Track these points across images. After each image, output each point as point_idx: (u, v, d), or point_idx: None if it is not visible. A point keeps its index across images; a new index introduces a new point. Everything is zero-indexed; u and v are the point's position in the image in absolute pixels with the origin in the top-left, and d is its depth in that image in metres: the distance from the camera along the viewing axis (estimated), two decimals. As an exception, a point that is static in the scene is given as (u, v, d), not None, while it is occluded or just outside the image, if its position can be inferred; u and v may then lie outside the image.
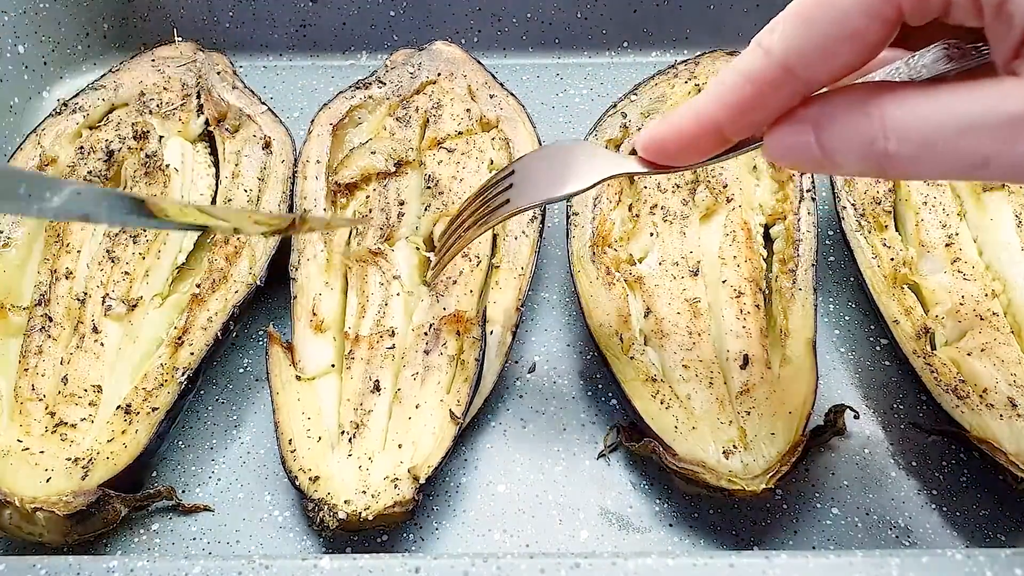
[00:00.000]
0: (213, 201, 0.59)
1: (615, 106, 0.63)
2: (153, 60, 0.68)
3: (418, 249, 0.56)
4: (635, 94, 0.64)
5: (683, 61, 0.66)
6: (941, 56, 0.34)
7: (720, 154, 0.37)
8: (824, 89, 0.34)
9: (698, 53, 0.67)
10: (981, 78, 0.30)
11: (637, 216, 0.56)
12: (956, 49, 0.33)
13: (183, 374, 0.50)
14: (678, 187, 0.57)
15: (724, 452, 0.45)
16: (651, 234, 0.55)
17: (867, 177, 0.34)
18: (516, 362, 0.56)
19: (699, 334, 0.51)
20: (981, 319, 0.50)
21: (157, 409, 0.48)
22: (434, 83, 0.65)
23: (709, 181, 0.57)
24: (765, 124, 0.35)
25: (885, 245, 0.54)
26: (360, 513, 0.44)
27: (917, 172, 0.32)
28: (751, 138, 0.37)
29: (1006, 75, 0.30)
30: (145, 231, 0.55)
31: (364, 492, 0.44)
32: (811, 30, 0.31)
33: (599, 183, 0.40)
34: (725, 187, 0.57)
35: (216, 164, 0.62)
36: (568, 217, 0.58)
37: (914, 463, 0.50)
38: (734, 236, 0.54)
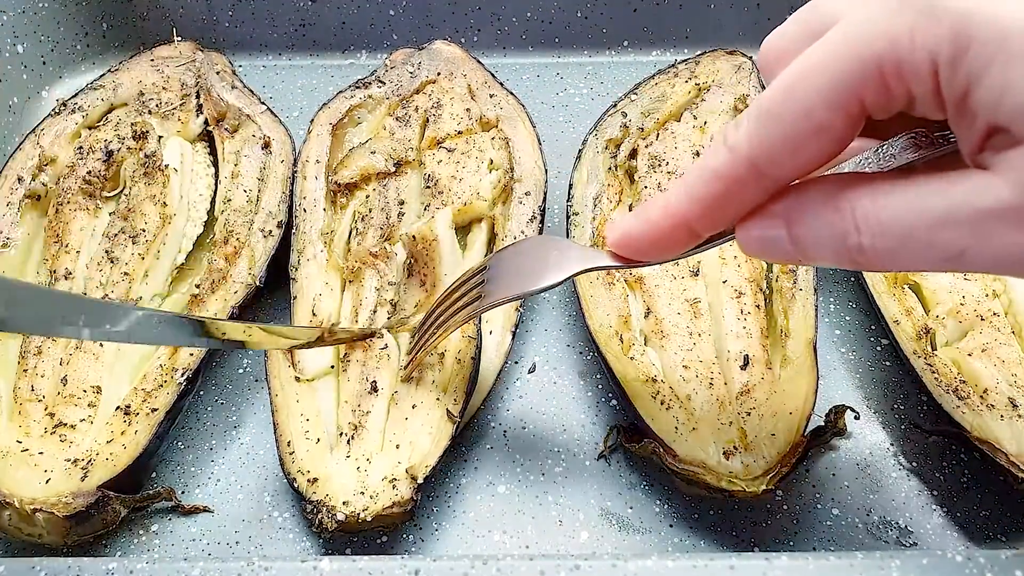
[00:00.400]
0: (212, 201, 0.59)
1: (615, 105, 0.63)
2: (152, 60, 0.67)
3: (418, 249, 0.56)
4: (635, 93, 0.63)
5: (683, 60, 0.65)
6: (910, 145, 0.33)
7: (692, 248, 0.37)
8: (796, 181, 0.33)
9: (698, 52, 0.67)
10: (949, 168, 0.30)
11: (637, 216, 0.56)
12: (924, 137, 0.33)
13: (182, 375, 0.50)
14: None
15: (724, 453, 0.45)
16: (651, 234, 0.55)
17: (842, 268, 0.34)
18: (516, 362, 0.56)
19: (699, 334, 0.50)
20: (982, 319, 0.50)
21: (157, 410, 0.48)
22: (434, 83, 0.65)
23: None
24: (736, 219, 0.34)
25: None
26: (359, 514, 0.43)
27: (892, 265, 0.31)
28: (723, 231, 0.36)
29: (974, 167, 0.30)
30: (145, 230, 0.55)
31: (362, 493, 0.44)
32: (776, 126, 0.31)
33: (572, 276, 0.41)
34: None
35: (216, 164, 0.62)
36: (568, 217, 0.58)
37: (915, 463, 0.50)
38: (734, 236, 0.54)
